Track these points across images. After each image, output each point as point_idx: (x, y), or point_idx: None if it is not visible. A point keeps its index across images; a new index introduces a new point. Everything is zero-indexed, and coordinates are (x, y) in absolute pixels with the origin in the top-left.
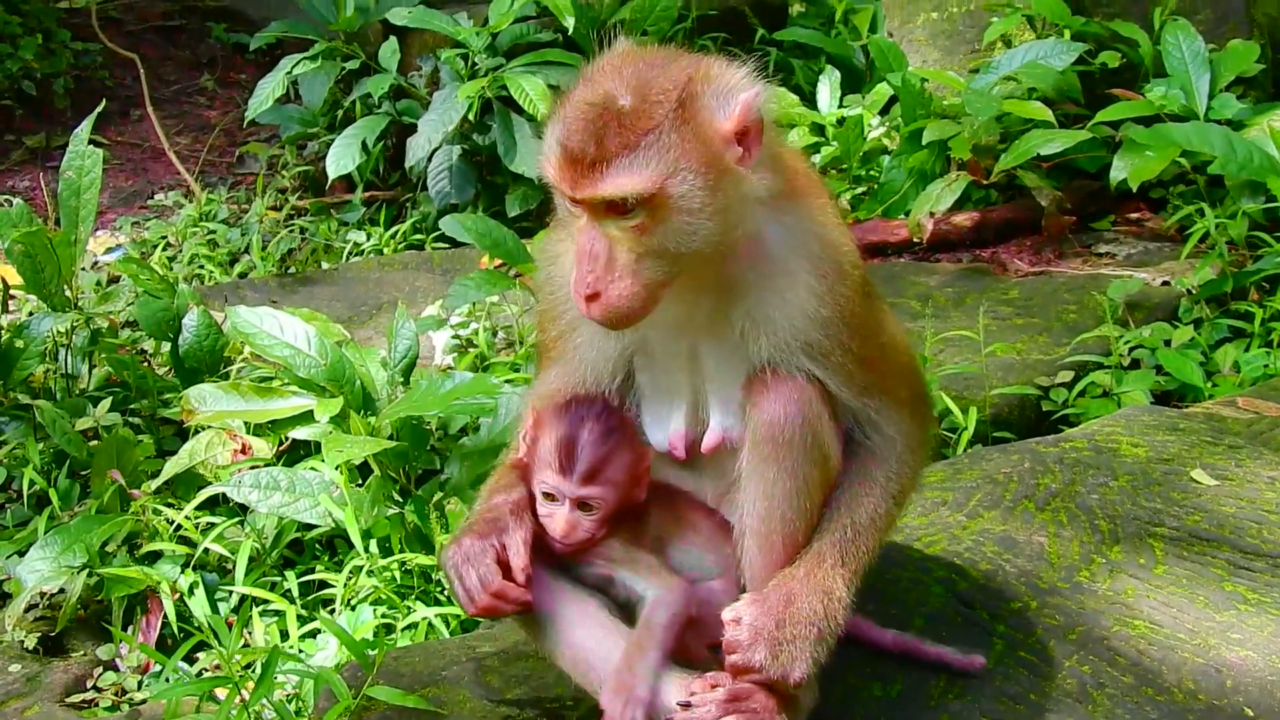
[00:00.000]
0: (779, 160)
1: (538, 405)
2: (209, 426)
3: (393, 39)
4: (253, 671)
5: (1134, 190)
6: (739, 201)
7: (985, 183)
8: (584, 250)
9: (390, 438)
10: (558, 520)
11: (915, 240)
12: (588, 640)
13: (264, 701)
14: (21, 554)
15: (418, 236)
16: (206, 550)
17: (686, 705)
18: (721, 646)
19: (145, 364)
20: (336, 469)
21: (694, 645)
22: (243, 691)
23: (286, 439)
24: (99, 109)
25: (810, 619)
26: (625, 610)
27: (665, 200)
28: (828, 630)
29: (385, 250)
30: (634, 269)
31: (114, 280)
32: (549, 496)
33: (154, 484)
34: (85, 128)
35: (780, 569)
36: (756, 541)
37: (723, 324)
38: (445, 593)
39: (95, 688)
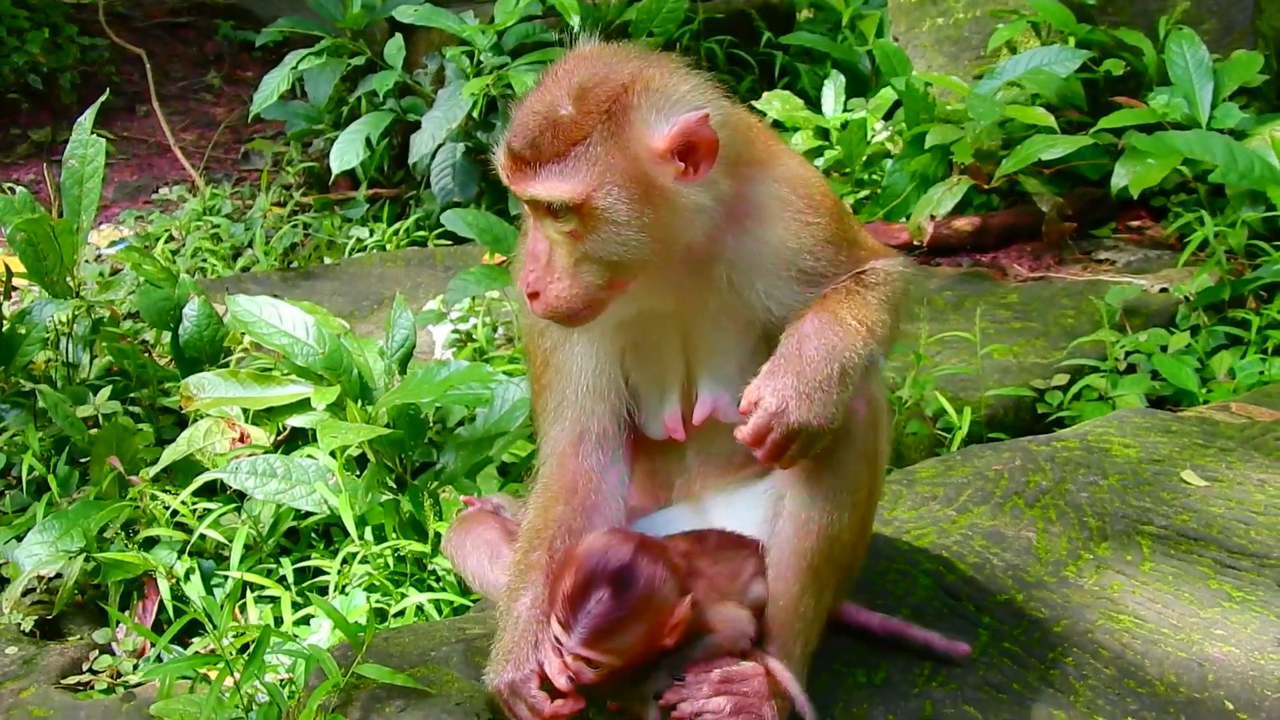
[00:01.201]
0: (740, 156)
1: (553, 462)
2: (207, 414)
3: (398, 36)
4: (246, 654)
5: (1135, 197)
6: (672, 215)
7: (987, 187)
8: (528, 249)
9: (386, 426)
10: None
11: (916, 243)
12: None
13: (256, 684)
14: (20, 539)
15: (420, 233)
16: (203, 536)
17: (680, 681)
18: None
19: (146, 354)
20: (331, 455)
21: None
22: (234, 671)
23: (284, 428)
24: (103, 99)
25: (829, 353)
26: None
27: (592, 210)
28: (850, 363)
29: (388, 246)
30: (572, 272)
31: (116, 272)
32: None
33: (152, 471)
34: (89, 116)
35: (811, 558)
36: (793, 525)
37: (707, 289)
38: (439, 580)
39: (91, 670)
